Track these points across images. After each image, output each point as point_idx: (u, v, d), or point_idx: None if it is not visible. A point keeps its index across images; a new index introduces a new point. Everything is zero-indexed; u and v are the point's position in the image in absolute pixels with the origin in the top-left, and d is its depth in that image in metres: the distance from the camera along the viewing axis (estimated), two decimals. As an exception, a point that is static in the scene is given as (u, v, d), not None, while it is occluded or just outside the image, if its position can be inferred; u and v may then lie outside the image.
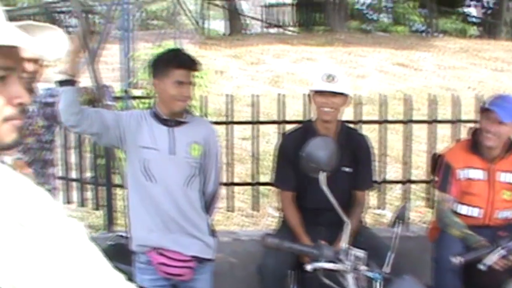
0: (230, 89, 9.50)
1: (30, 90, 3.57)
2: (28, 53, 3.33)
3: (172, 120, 3.08)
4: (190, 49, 12.10)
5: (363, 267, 1.93)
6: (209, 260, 3.18)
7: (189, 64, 3.01)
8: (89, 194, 4.95)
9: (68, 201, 4.88)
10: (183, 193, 3.07)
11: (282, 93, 4.96)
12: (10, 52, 1.19)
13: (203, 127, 3.19)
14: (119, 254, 3.16)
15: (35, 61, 3.48)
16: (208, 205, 3.23)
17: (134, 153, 3.08)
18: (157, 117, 3.08)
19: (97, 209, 4.82)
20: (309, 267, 1.98)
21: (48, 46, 1.25)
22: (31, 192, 1.11)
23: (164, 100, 3.05)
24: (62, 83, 3.01)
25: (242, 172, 6.48)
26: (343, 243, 2.00)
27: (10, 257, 1.05)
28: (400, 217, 2.22)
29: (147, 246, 3.08)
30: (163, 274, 3.06)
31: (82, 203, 4.82)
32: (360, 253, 1.97)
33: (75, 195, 4.94)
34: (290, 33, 18.37)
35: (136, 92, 7.26)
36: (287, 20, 20.19)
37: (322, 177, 2.02)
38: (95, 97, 3.81)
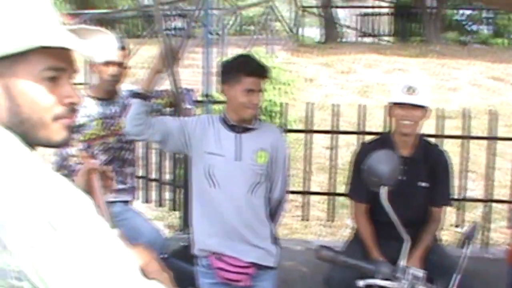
0: (318, 97, 9.45)
1: (114, 92, 3.69)
2: (111, 57, 3.47)
3: (240, 126, 3.09)
4: (282, 55, 12.18)
5: (421, 287, 1.85)
6: (270, 268, 3.14)
7: (259, 72, 3.01)
8: (168, 195, 5.04)
9: (147, 201, 4.98)
10: (247, 200, 3.05)
11: (365, 104, 4.89)
12: (61, 54, 1.23)
13: (271, 133, 3.16)
14: (189, 255, 3.21)
15: (118, 64, 3.60)
16: (273, 213, 3.21)
17: (199, 159, 3.11)
18: (225, 122, 3.10)
19: (174, 209, 4.91)
20: (361, 283, 1.93)
21: (98, 49, 1.31)
22: (65, 193, 1.12)
23: (233, 107, 3.06)
24: (135, 94, 3.14)
25: (324, 181, 6.43)
26: (401, 261, 1.93)
27: (42, 258, 1.07)
28: (469, 237, 2.11)
29: (207, 250, 3.11)
30: (222, 279, 3.08)
31: (160, 203, 4.92)
32: (419, 272, 1.90)
33: (154, 194, 5.04)
34: (384, 42, 18.07)
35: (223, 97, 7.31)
36: (382, 29, 19.90)
37: (383, 191, 1.96)
38: (175, 101, 3.88)
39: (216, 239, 3.07)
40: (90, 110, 3.67)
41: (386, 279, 1.89)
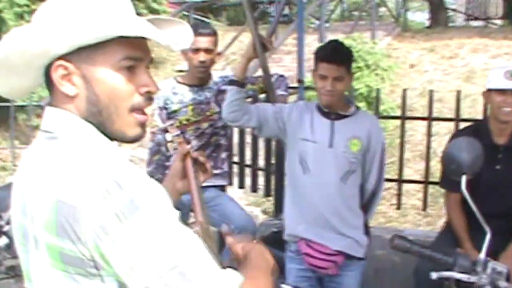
0: (420, 83, 9.19)
1: (205, 78, 3.75)
2: (203, 44, 3.53)
3: (334, 113, 3.05)
4: (386, 41, 11.92)
5: (503, 283, 1.76)
6: (359, 258, 3.12)
7: (332, 57, 2.95)
8: (261, 180, 5.07)
9: (242, 186, 5.03)
10: (338, 189, 3.03)
11: (462, 90, 4.70)
12: (139, 44, 1.26)
13: (366, 121, 3.11)
14: (280, 241, 3.23)
15: (207, 50, 3.65)
16: (367, 203, 3.16)
17: (293, 145, 3.12)
18: (320, 109, 3.08)
19: (267, 195, 4.94)
20: (434, 276, 1.86)
21: (174, 38, 1.32)
22: (134, 184, 1.14)
23: (317, 93, 3.04)
24: (230, 82, 3.19)
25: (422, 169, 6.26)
26: (482, 254, 1.85)
27: (110, 250, 1.12)
28: None
29: (296, 236, 3.12)
30: (309, 265, 3.09)
31: (254, 189, 4.96)
32: (502, 268, 1.81)
33: (248, 180, 5.09)
34: (494, 26, 17.25)
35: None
36: (492, 12, 18.98)
37: (463, 180, 1.88)
38: (267, 87, 3.90)
39: (304, 225, 3.08)
40: (182, 96, 3.75)
41: (465, 273, 1.81)
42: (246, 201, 6.16)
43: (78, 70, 1.23)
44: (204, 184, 3.69)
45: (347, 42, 7.82)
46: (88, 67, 1.23)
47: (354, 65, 7.07)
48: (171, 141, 3.78)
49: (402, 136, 4.46)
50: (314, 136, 3.05)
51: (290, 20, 13.54)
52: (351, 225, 3.08)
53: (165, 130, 2.26)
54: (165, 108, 3.75)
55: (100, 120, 1.26)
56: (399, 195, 4.49)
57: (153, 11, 10.57)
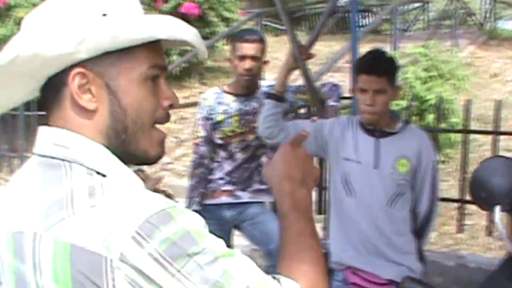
0: (502, 94, 8.63)
1: (252, 87, 3.53)
2: (249, 51, 3.32)
3: (378, 130, 2.76)
4: (468, 49, 11.37)
5: None
6: None
7: (371, 69, 2.67)
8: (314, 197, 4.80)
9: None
10: (385, 213, 2.74)
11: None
12: (161, 51, 1.11)
13: (415, 139, 2.79)
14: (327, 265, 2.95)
15: (254, 58, 3.44)
16: (420, 227, 2.84)
17: (336, 165, 2.87)
18: (363, 126, 2.80)
19: (319, 213, 4.66)
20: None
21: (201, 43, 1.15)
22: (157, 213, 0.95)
23: (358, 109, 2.77)
24: (268, 95, 3.01)
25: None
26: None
27: None
28: None
29: (342, 264, 2.84)
30: None
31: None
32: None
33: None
34: None
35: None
36: None
37: (497, 212, 1.53)
38: (321, 96, 3.65)
39: (351, 252, 2.82)
40: (228, 106, 3.56)
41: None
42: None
43: (100, 80, 1.05)
44: (249, 200, 3.56)
45: (419, 50, 7.42)
46: (112, 76, 1.05)
47: (425, 74, 6.80)
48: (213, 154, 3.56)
49: (464, 151, 4.07)
50: (358, 156, 2.78)
51: (319, 29, 13.13)
52: (403, 251, 2.79)
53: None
54: (210, 119, 3.57)
55: (123, 139, 1.07)
56: (460, 216, 4.09)
57: (224, 20, 10.48)
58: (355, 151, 2.79)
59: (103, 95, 1.05)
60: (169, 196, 1.60)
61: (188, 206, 3.60)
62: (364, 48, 10.50)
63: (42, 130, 1.09)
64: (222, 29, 10.35)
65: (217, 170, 3.62)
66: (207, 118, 3.58)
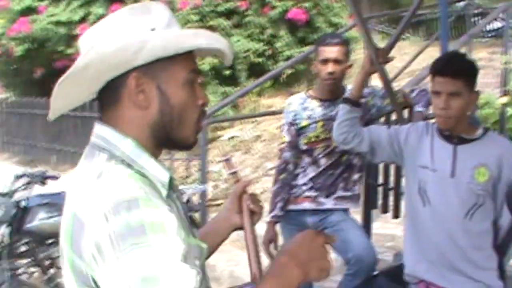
0: None
1: (337, 92, 3.47)
2: (332, 54, 3.27)
3: (456, 136, 2.63)
4: None
5: None
6: None
7: (445, 70, 2.52)
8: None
9: (373, 207, 4.63)
10: (462, 226, 2.59)
11: None
12: (195, 59, 1.36)
13: (495, 145, 2.62)
14: (402, 276, 2.85)
15: (336, 61, 3.38)
16: (502, 242, 2.66)
17: (411, 172, 2.76)
18: (440, 132, 2.68)
19: (396, 217, 4.47)
20: None
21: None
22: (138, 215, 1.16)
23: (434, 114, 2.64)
24: (345, 100, 2.98)
25: None
26: None
27: (100, 271, 1.16)
28: None
29: (416, 277, 2.72)
30: None
31: (385, 209, 4.55)
32: None
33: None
34: None
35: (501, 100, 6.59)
36: None
37: None
38: (405, 101, 3.55)
39: (425, 265, 2.70)
40: (312, 111, 3.53)
41: None
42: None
43: (152, 82, 1.29)
44: (332, 207, 3.50)
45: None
46: (162, 79, 1.30)
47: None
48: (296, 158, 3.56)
49: None
50: (434, 164, 2.65)
51: (399, 32, 12.64)
52: (481, 267, 2.61)
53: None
54: (294, 124, 3.55)
55: (168, 130, 1.32)
56: None
57: (333, 25, 10.41)
58: (431, 158, 2.66)
59: (154, 95, 1.30)
60: (255, 198, 1.69)
61: (271, 211, 3.60)
62: (486, 54, 10.00)
63: (96, 125, 1.35)
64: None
65: (301, 175, 3.60)
66: (292, 124, 3.56)
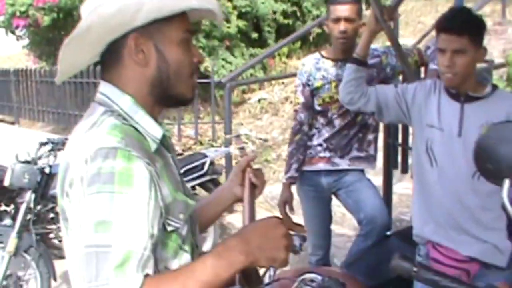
0: None
1: (351, 51, 3.41)
2: (343, 13, 3.21)
3: (464, 94, 2.57)
4: None
5: None
6: (499, 268, 2.58)
7: (450, 26, 2.45)
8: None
9: (394, 167, 4.60)
10: (470, 186, 2.54)
11: None
12: (188, 18, 1.44)
13: (504, 103, 2.55)
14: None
15: (348, 19, 3.33)
16: None
17: (419, 132, 2.72)
18: (447, 90, 2.62)
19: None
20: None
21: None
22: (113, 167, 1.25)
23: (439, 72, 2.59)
24: (352, 59, 2.94)
25: None
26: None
27: (70, 208, 1.28)
28: None
29: (423, 237, 2.71)
30: None
31: (405, 169, 4.50)
32: None
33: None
34: None
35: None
36: None
37: (505, 187, 1.32)
38: (421, 59, 3.49)
39: (432, 226, 2.68)
40: (326, 72, 3.50)
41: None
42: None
43: (150, 42, 1.39)
44: (347, 167, 3.49)
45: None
46: (159, 38, 1.39)
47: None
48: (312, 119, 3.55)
49: None
50: (441, 123, 2.60)
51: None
52: (489, 227, 2.57)
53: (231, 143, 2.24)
54: (308, 85, 3.53)
55: (166, 86, 1.42)
56: None
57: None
58: (438, 117, 2.62)
59: (152, 53, 1.40)
60: (258, 173, 1.75)
61: (286, 173, 3.60)
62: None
63: (100, 83, 1.45)
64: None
65: (316, 136, 3.58)
66: (306, 84, 3.54)
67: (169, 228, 1.36)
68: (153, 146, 1.38)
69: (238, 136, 2.01)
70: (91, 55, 1.44)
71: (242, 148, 1.92)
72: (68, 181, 1.27)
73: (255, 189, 1.73)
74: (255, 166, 1.80)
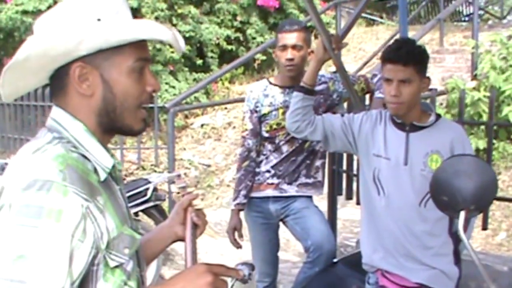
0: None
1: (298, 78, 3.44)
2: (290, 41, 3.24)
3: (407, 123, 2.63)
4: None
5: None
6: None
7: (395, 57, 2.52)
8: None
9: (339, 193, 4.67)
10: (417, 214, 2.59)
11: None
12: (146, 46, 1.39)
13: (447, 132, 2.63)
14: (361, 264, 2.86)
15: (295, 47, 3.36)
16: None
17: (366, 161, 2.75)
18: (393, 120, 2.68)
19: (359, 203, 4.52)
20: None
21: (178, 39, 1.39)
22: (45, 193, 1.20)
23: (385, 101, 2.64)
24: (298, 88, 2.93)
25: None
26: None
27: None
28: None
29: (373, 266, 2.73)
30: None
31: (350, 195, 4.58)
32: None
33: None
34: None
35: (469, 85, 6.63)
36: None
37: (461, 218, 1.34)
38: (367, 87, 3.54)
39: (381, 254, 2.70)
40: (273, 99, 3.52)
41: None
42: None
43: (96, 71, 1.32)
44: (295, 194, 3.50)
45: (494, 38, 7.05)
46: (106, 68, 1.33)
47: (502, 63, 6.43)
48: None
49: (488, 145, 3.83)
50: (387, 152, 2.65)
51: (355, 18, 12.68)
52: (437, 253, 2.62)
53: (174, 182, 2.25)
54: (256, 111, 3.53)
55: (112, 118, 1.36)
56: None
57: (304, 11, 10.37)
58: (384, 146, 2.66)
59: (98, 83, 1.34)
60: (200, 213, 1.73)
61: (235, 199, 3.59)
62: (461, 39, 10.03)
63: (53, 108, 1.38)
64: (304, 19, 10.24)
65: (264, 163, 3.59)
66: (253, 111, 3.54)
67: (113, 264, 1.29)
68: (103, 176, 1.33)
69: (179, 176, 1.96)
70: (36, 80, 1.38)
71: (183, 187, 1.89)
72: None
73: (197, 229, 1.70)
74: (198, 192, 1.79)
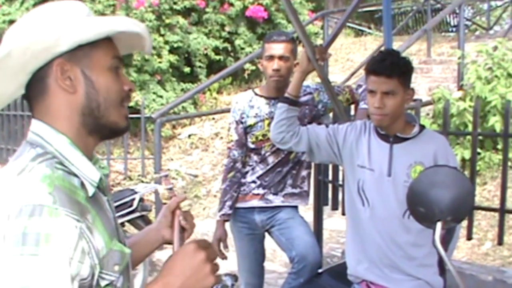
0: None
1: (284, 90, 3.44)
2: (277, 51, 3.25)
3: (391, 135, 2.64)
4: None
5: None
6: None
7: (379, 69, 2.53)
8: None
9: (325, 204, 4.68)
10: (402, 225, 2.60)
11: None
12: (117, 47, 1.40)
13: (431, 143, 2.64)
14: (345, 274, 2.86)
15: (282, 58, 3.37)
16: (442, 238, 2.67)
17: (350, 172, 2.75)
18: (377, 131, 2.69)
19: (344, 214, 4.54)
20: None
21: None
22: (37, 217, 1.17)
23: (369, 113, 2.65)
24: (282, 99, 2.92)
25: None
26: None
27: None
28: None
29: (358, 277, 2.73)
30: None
31: (335, 205, 4.59)
32: None
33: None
34: None
35: (455, 95, 6.66)
36: None
37: (438, 230, 1.35)
38: (352, 98, 3.55)
39: (366, 265, 2.71)
40: (259, 110, 3.52)
41: None
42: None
43: (77, 67, 1.32)
44: (280, 204, 3.50)
45: (480, 48, 7.10)
46: (87, 64, 1.33)
47: (488, 74, 6.48)
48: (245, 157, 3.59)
49: (473, 155, 3.86)
50: (371, 163, 2.66)
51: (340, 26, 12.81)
52: (422, 264, 2.63)
53: (161, 183, 2.23)
54: (242, 122, 3.54)
55: (97, 115, 1.35)
56: (500, 228, 3.79)
57: (290, 21, 10.39)
58: (368, 158, 2.67)
59: (80, 80, 1.33)
60: (187, 215, 1.73)
61: (220, 210, 3.59)
62: (448, 49, 10.09)
63: (32, 122, 1.36)
64: (291, 30, 10.28)
65: (249, 173, 3.59)
66: (239, 122, 3.54)
67: (103, 283, 1.28)
68: (91, 191, 1.31)
69: (166, 176, 1.96)
70: (15, 85, 1.35)
71: (170, 189, 1.87)
72: None
73: (184, 232, 1.69)
74: (186, 202, 1.78)
